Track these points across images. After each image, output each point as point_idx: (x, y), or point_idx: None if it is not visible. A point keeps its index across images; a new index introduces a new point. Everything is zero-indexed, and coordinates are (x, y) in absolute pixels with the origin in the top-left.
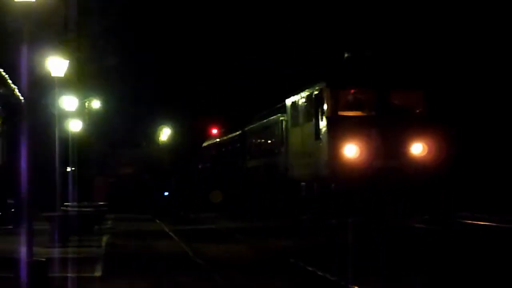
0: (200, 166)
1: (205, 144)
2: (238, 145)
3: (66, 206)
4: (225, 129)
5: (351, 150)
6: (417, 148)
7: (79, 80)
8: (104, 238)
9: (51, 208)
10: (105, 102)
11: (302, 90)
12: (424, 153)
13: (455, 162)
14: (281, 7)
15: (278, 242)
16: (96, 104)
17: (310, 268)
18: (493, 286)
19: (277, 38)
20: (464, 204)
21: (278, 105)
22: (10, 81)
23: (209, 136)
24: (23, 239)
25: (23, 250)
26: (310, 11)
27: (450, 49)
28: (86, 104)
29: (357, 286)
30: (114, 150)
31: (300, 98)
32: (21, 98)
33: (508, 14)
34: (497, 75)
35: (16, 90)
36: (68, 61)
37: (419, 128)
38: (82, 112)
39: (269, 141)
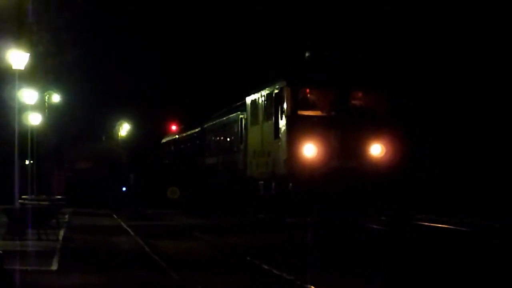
0: (158, 162)
1: (164, 140)
2: (197, 142)
3: (24, 199)
4: (185, 126)
5: (310, 150)
6: (375, 149)
7: (39, 74)
8: (61, 232)
9: (8, 201)
10: (65, 96)
11: (263, 89)
12: (382, 154)
13: (413, 164)
14: (242, 4)
15: (235, 239)
16: (56, 98)
17: (266, 267)
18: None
19: (239, 36)
20: (424, 206)
21: (238, 103)
22: None
23: (168, 132)
24: None
25: None
26: (272, 9)
27: (412, 52)
28: (46, 97)
29: (313, 285)
30: (73, 144)
31: (260, 96)
32: None
33: (467, 15)
34: (456, 78)
35: None
36: (28, 54)
37: (378, 129)
38: (42, 106)
39: (228, 139)
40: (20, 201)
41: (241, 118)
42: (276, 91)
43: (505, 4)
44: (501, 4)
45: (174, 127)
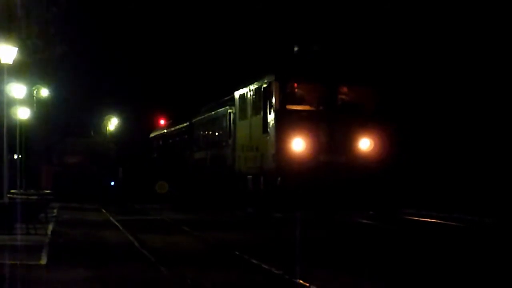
0: (147, 157)
1: (152, 134)
2: (186, 136)
3: (13, 193)
4: (173, 120)
5: (298, 144)
6: (364, 144)
7: (28, 68)
8: (50, 227)
9: None
10: (53, 91)
11: (251, 83)
12: (371, 149)
13: (402, 159)
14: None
15: (224, 234)
16: (44, 92)
17: (255, 261)
18: (433, 281)
19: (227, 30)
20: (412, 200)
21: (227, 98)
22: None
23: (156, 127)
24: None
25: None
26: (262, 3)
27: (400, 48)
28: (35, 92)
29: (301, 279)
30: (61, 138)
31: (249, 91)
32: None
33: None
34: (446, 74)
35: None
36: (17, 49)
37: (366, 124)
38: (31, 100)
39: (217, 133)
40: (9, 195)
41: (230, 113)
42: (264, 85)
43: (502, 4)
44: (497, 5)
45: (162, 122)
